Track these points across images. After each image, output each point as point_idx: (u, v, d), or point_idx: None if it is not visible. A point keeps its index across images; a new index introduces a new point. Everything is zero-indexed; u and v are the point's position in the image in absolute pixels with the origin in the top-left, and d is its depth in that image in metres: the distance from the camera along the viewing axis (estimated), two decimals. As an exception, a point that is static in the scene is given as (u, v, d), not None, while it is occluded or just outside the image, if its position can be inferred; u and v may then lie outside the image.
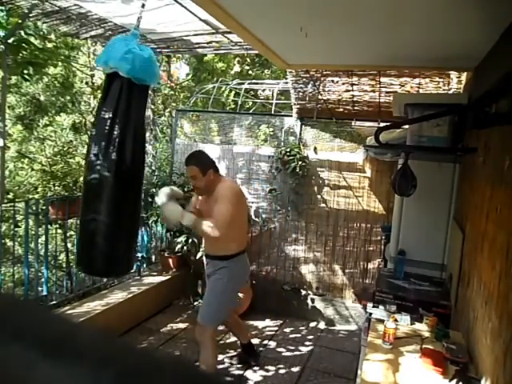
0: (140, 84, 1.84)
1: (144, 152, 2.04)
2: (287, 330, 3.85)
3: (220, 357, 3.23)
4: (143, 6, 1.85)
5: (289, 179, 4.20)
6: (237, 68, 8.14)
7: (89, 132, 7.19)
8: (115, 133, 1.82)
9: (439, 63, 2.49)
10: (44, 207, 3.25)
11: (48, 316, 0.28)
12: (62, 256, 5.24)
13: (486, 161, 1.85)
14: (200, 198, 2.74)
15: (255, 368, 3.05)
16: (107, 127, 1.82)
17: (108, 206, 1.86)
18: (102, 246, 1.91)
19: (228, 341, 3.51)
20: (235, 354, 3.25)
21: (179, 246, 3.89)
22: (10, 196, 6.24)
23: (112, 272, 2.16)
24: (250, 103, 7.02)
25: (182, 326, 3.74)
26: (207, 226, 2.41)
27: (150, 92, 3.68)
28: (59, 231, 4.28)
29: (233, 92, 6.74)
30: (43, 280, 3.24)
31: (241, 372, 3.02)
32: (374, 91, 3.73)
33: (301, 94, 4.04)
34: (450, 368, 1.69)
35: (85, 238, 1.96)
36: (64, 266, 5.10)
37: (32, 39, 4.31)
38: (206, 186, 2.53)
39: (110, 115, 1.81)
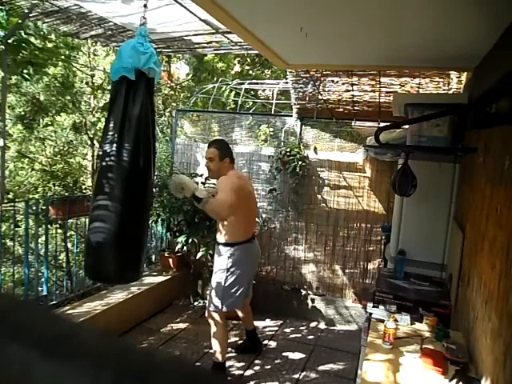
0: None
1: (153, 150, 1.99)
2: (287, 330, 3.85)
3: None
4: (145, 6, 1.86)
5: (289, 179, 4.19)
6: (237, 68, 8.15)
7: (89, 132, 7.21)
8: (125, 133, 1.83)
9: (439, 63, 2.49)
10: (44, 207, 3.25)
11: (48, 316, 0.28)
12: (62, 256, 5.24)
13: (486, 161, 1.85)
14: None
15: (255, 368, 3.05)
16: (117, 127, 1.83)
17: (116, 208, 1.81)
18: (111, 251, 1.85)
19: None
20: (239, 344, 3.37)
21: (179, 245, 3.88)
22: (10, 196, 6.24)
23: (122, 278, 2.07)
24: (250, 103, 7.01)
25: (182, 326, 3.74)
26: (215, 205, 2.48)
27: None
28: (59, 231, 4.27)
29: (233, 92, 6.73)
30: (43, 280, 3.24)
31: (241, 372, 3.02)
32: (374, 91, 3.72)
33: (301, 94, 4.04)
34: (450, 368, 1.69)
35: (92, 244, 1.89)
36: (64, 265, 5.10)
37: (32, 39, 4.31)
38: (218, 170, 2.72)
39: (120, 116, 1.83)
